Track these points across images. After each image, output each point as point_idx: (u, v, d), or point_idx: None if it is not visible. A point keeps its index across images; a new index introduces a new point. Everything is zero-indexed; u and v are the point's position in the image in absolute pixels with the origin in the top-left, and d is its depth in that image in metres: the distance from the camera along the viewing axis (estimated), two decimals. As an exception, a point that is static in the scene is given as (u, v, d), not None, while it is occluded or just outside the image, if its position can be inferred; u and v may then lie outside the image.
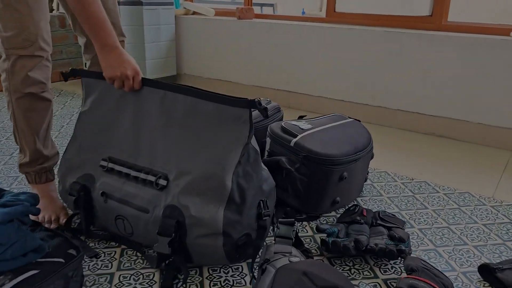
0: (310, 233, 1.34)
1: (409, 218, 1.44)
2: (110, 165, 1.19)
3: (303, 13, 4.32)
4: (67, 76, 1.25)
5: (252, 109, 1.04)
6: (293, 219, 1.10)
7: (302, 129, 1.48)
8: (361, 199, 1.57)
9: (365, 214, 1.34)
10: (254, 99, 1.03)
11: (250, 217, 1.12)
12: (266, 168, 1.24)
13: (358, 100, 2.51)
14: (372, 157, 1.56)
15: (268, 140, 1.51)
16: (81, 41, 1.50)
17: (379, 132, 2.34)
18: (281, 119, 1.82)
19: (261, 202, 1.14)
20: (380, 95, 2.44)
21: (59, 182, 1.27)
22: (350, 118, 1.69)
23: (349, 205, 1.50)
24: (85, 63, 3.17)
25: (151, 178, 1.11)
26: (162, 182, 1.09)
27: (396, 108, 2.40)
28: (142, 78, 1.18)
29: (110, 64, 1.17)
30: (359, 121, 1.70)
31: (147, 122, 1.17)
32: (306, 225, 1.38)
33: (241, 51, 2.91)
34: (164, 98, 1.15)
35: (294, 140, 1.41)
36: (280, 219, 1.13)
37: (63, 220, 1.32)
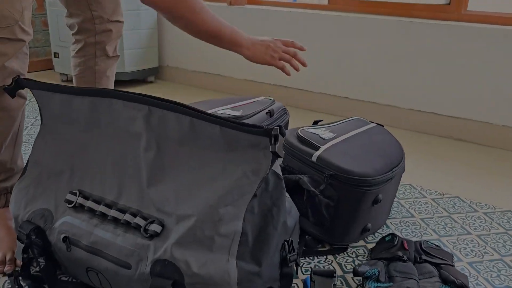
0: (338, 271, 1.07)
1: (453, 248, 1.19)
2: (80, 200, 0.88)
3: (295, 0, 4.02)
4: (13, 91, 0.92)
5: (273, 139, 0.75)
6: (333, 269, 0.83)
7: (323, 138, 1.20)
8: (390, 222, 1.31)
9: (406, 247, 1.08)
10: (275, 127, 0.73)
11: (272, 266, 0.84)
12: (287, 195, 0.96)
13: (365, 97, 2.25)
14: (403, 171, 1.30)
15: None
16: (74, 20, 1.32)
17: (390, 135, 2.09)
18: (287, 123, 1.55)
19: (285, 243, 0.86)
20: (390, 92, 2.18)
21: (13, 218, 0.96)
22: (372, 122, 1.43)
23: (384, 234, 1.23)
24: (55, 53, 2.81)
25: (140, 221, 0.81)
26: (155, 228, 0.80)
27: (408, 108, 2.15)
28: (115, 90, 0.87)
29: (263, 53, 1.13)
30: (382, 125, 1.44)
31: (131, 147, 0.86)
32: (332, 260, 1.11)
33: (232, 41, 2.60)
34: (150, 116, 0.84)
35: (317, 153, 1.13)
36: (314, 269, 0.85)
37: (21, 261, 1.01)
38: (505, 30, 1.86)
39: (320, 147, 1.15)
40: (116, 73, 2.61)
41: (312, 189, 1.08)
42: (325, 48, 2.30)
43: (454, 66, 1.99)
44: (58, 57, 2.76)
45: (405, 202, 1.43)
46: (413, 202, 1.43)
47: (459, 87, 2.00)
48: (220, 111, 1.41)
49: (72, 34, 1.44)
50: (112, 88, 1.59)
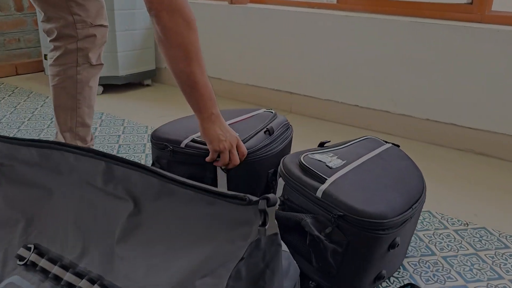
0: (347, 331, 0.90)
1: (482, 298, 1.01)
2: (33, 257, 0.72)
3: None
4: None
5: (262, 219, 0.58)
6: None
7: (331, 168, 1.03)
8: (408, 262, 1.13)
9: (429, 303, 0.90)
10: (261, 199, 0.56)
11: None
12: (285, 248, 0.79)
13: (377, 106, 2.07)
14: (423, 203, 1.12)
15: (280, 181, 1.06)
16: (53, 25, 1.24)
17: (402, 147, 1.90)
18: (291, 140, 1.38)
19: (281, 313, 0.69)
20: (405, 100, 1.99)
21: None
22: (386, 142, 1.25)
23: (402, 283, 1.06)
24: (45, 55, 2.65)
25: (98, 292, 0.65)
26: None
27: (424, 118, 1.96)
28: (61, 143, 0.72)
29: (216, 136, 1.09)
30: (398, 146, 1.26)
31: (100, 202, 0.70)
32: (339, 316, 0.94)
33: (234, 42, 2.42)
34: (111, 172, 0.69)
35: (322, 187, 0.95)
36: None
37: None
38: (536, 33, 1.66)
39: (326, 179, 0.97)
40: (110, 77, 2.46)
41: (317, 233, 0.91)
42: (332, 51, 2.12)
43: (476, 72, 1.80)
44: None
45: (423, 235, 1.25)
46: (433, 234, 1.25)
47: (481, 95, 1.81)
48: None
49: (50, 41, 1.31)
50: (95, 98, 1.45)
